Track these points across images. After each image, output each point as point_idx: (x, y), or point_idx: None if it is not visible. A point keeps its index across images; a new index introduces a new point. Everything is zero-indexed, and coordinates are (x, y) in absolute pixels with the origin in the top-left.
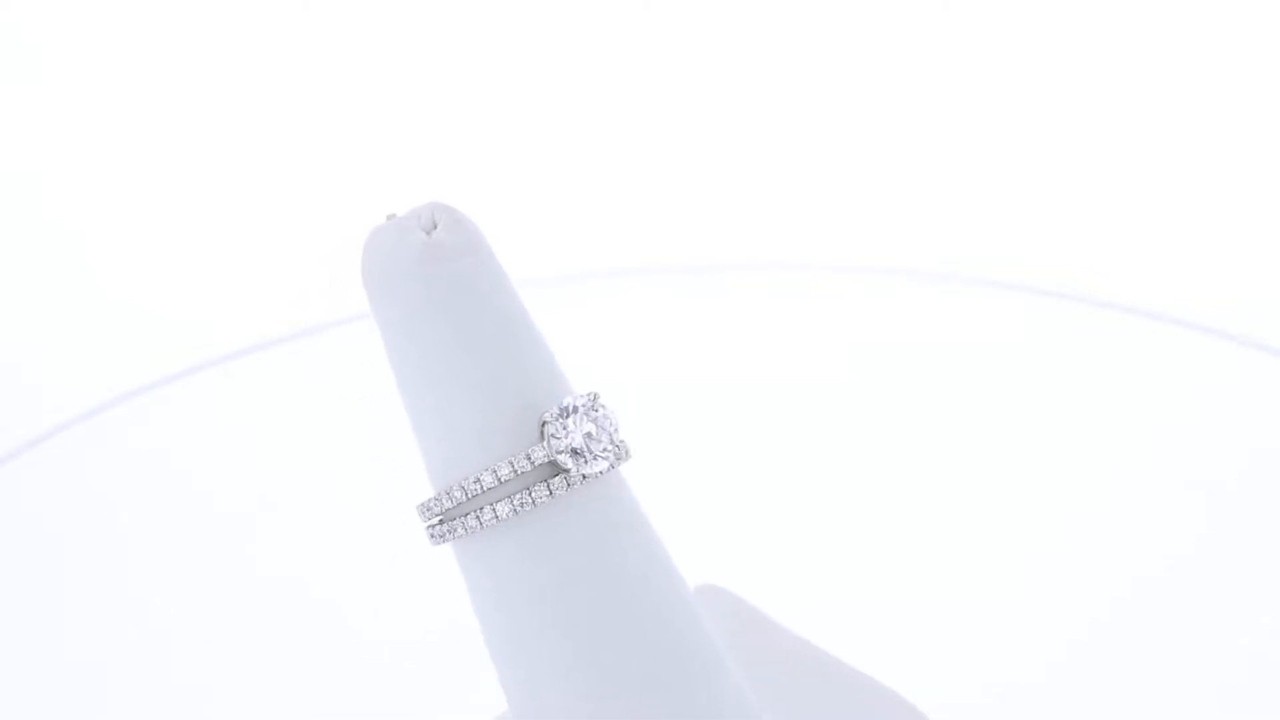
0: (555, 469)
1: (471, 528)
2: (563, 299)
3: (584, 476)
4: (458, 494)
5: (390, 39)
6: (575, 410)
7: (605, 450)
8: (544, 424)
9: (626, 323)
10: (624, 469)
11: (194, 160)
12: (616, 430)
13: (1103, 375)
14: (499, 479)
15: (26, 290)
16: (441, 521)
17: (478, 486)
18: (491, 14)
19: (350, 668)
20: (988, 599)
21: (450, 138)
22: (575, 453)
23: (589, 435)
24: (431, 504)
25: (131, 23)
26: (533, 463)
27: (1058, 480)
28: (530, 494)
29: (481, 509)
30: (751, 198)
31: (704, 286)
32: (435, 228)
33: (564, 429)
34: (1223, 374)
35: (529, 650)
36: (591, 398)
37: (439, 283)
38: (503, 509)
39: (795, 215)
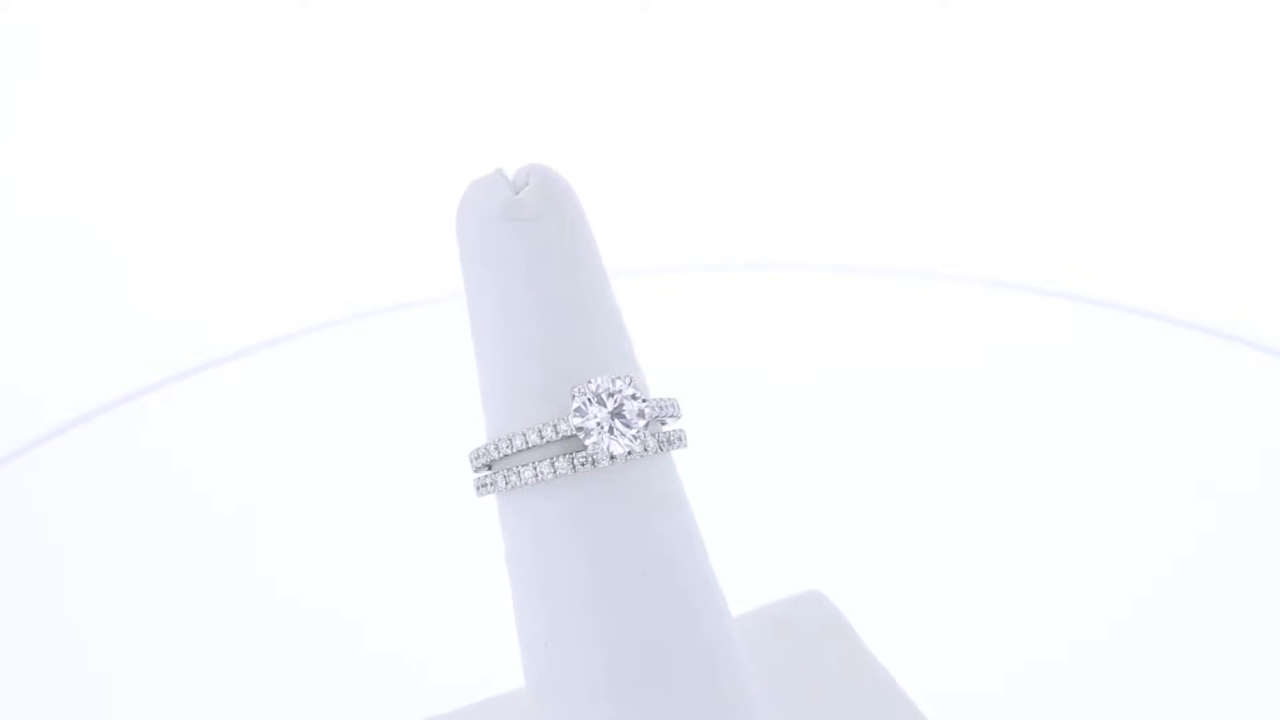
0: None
1: (499, 485)
2: None
3: (612, 457)
4: (493, 451)
5: (385, 43)
6: (600, 390)
7: (627, 434)
8: (571, 398)
9: (625, 322)
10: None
11: (195, 161)
12: (652, 418)
13: (1103, 375)
14: (527, 443)
15: (27, 291)
16: (485, 471)
17: (509, 446)
18: (486, 19)
19: (349, 667)
20: (987, 599)
21: (452, 138)
22: (592, 431)
23: (618, 416)
24: (476, 454)
25: (133, 21)
26: (558, 434)
27: (1057, 480)
28: (553, 464)
29: (509, 470)
30: (751, 198)
31: (704, 287)
32: (526, 187)
33: (585, 406)
34: (1223, 374)
35: (551, 612)
36: (627, 380)
37: (516, 241)
38: (527, 473)
39: (795, 215)
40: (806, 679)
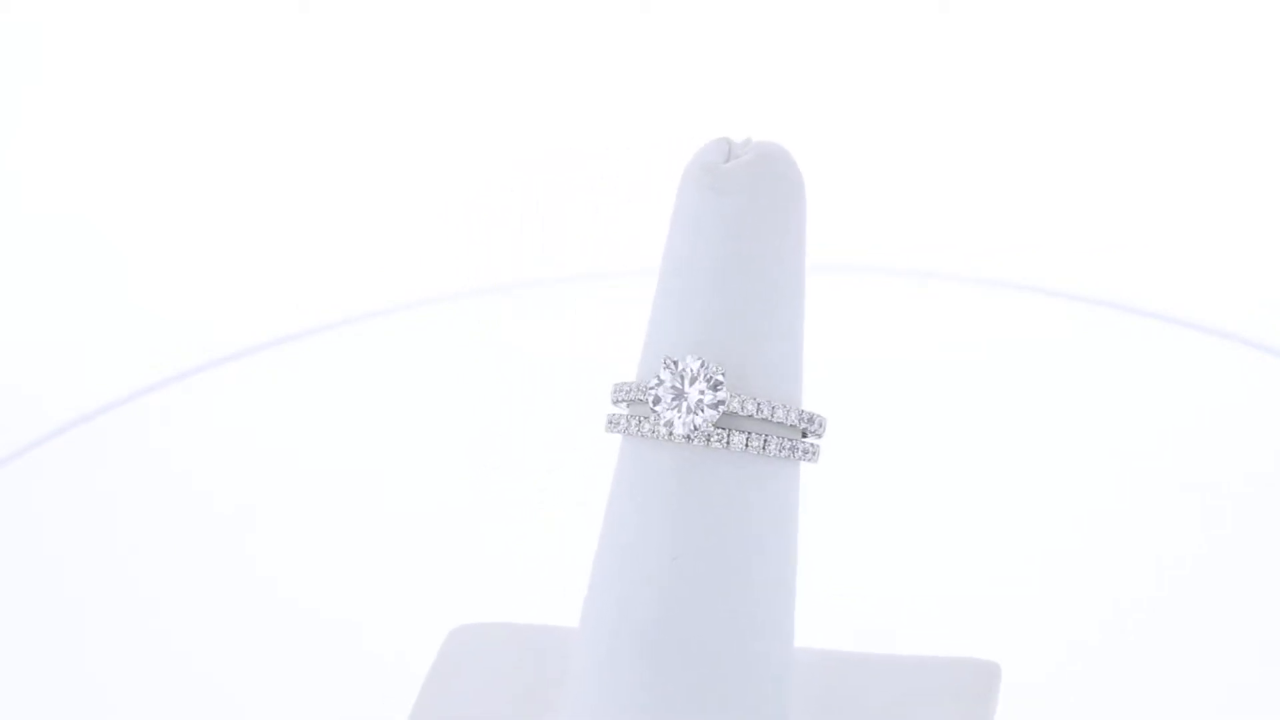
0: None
1: (615, 425)
2: (569, 300)
3: (687, 437)
4: (616, 393)
5: (386, 43)
6: (686, 368)
7: (686, 416)
8: (661, 366)
9: (629, 324)
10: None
11: (195, 161)
12: (723, 410)
13: (1104, 375)
14: (629, 397)
15: (27, 291)
16: (621, 408)
17: (621, 394)
18: (489, 18)
19: (349, 667)
20: (986, 600)
21: (453, 139)
22: (660, 401)
23: (700, 398)
24: (616, 389)
25: (133, 21)
26: (643, 397)
27: (1057, 481)
28: (639, 425)
29: (633, 418)
30: None
31: None
32: (738, 159)
33: (665, 378)
34: (1223, 374)
35: (623, 574)
36: (718, 369)
37: (708, 207)
38: (621, 425)
39: None
40: None
